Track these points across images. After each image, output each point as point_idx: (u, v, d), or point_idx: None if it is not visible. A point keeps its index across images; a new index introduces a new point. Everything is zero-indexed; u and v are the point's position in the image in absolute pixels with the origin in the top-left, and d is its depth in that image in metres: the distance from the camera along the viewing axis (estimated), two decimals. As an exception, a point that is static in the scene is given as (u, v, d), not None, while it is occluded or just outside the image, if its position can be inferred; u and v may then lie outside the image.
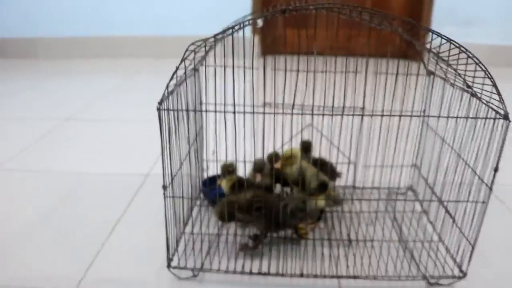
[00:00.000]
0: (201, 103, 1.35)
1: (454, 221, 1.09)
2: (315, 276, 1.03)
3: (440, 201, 1.18)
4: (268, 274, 1.03)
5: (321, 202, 1.14)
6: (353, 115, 1.04)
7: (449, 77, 1.12)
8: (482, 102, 0.94)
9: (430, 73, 1.27)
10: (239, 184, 1.18)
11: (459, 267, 1.05)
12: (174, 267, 1.04)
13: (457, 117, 0.96)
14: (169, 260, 1.04)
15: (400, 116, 1.02)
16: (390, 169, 1.39)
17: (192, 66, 1.09)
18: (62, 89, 2.72)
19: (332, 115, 1.00)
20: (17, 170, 1.61)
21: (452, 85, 1.11)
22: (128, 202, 1.37)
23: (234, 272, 1.04)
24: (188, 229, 1.18)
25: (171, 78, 0.88)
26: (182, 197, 1.03)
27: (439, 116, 1.04)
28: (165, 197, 0.97)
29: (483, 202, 0.96)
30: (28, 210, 1.33)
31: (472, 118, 0.93)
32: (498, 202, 1.42)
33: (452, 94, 1.11)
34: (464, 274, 1.04)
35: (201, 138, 1.34)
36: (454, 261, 1.08)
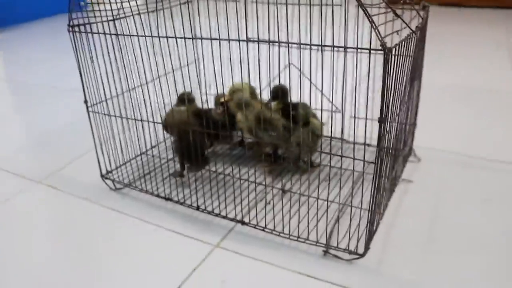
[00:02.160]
0: (195, 35, 1.37)
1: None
2: (209, 212, 1.01)
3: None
4: (170, 199, 1.06)
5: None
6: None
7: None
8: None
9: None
10: (197, 114, 1.20)
11: (366, 245, 0.86)
12: (106, 178, 1.16)
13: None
14: (107, 171, 1.16)
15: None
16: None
17: None
18: None
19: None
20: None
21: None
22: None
23: (146, 192, 1.10)
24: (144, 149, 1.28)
25: (71, 6, 0.96)
26: (105, 113, 1.11)
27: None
28: (88, 112, 1.09)
29: (374, 163, 0.75)
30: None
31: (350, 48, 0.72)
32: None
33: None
34: (363, 254, 0.85)
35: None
36: (369, 237, 0.89)
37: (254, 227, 0.95)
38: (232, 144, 1.30)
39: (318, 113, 1.24)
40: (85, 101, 1.07)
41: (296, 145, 1.09)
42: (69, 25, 1.00)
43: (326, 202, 1.02)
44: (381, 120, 0.71)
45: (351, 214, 0.91)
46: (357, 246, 0.86)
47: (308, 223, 0.95)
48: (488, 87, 1.76)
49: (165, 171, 1.18)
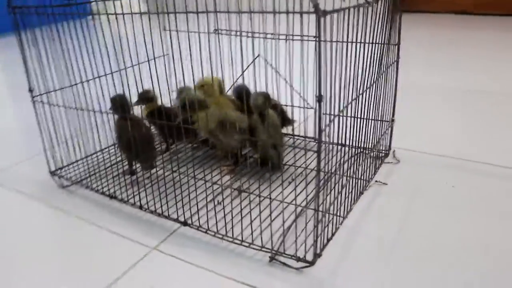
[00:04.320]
0: (164, 28, 1.30)
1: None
2: (152, 212, 0.91)
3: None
4: (114, 198, 0.97)
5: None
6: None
7: None
8: None
9: None
10: (158, 113, 1.12)
11: (320, 251, 0.75)
12: (55, 175, 1.08)
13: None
14: (50, 167, 1.08)
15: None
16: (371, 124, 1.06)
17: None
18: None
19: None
20: None
21: None
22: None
23: (92, 189, 1.01)
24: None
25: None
26: (56, 105, 1.02)
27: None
28: (33, 101, 1.01)
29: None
30: None
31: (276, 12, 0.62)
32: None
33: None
34: (312, 261, 0.74)
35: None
36: (328, 240, 0.77)
37: (197, 229, 0.85)
38: (195, 142, 1.20)
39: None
40: (30, 90, 1.00)
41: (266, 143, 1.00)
42: (9, 6, 0.93)
43: (282, 204, 0.91)
44: (320, 99, 0.61)
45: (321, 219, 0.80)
46: (305, 253, 0.75)
47: (259, 226, 0.84)
48: (474, 88, 1.63)
49: (118, 170, 1.10)
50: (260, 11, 0.70)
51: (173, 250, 0.83)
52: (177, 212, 0.90)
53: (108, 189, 1.00)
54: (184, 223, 0.86)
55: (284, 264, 0.77)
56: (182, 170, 1.05)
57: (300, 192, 0.93)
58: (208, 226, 0.85)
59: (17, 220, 0.96)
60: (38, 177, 1.12)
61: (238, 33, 1.16)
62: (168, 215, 0.89)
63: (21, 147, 1.34)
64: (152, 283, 0.75)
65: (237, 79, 1.21)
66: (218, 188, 0.98)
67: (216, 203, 0.93)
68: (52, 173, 1.08)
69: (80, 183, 1.05)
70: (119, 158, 1.14)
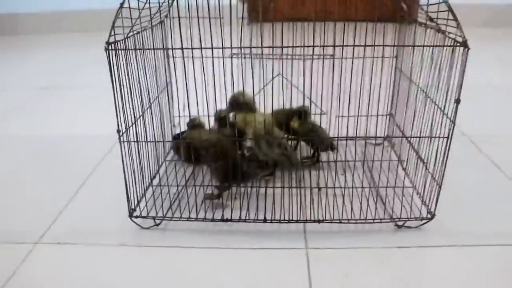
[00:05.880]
0: (167, 56, 1.32)
1: (421, 160, 1.06)
2: (279, 221, 1.02)
3: (406, 137, 1.15)
4: (230, 220, 1.02)
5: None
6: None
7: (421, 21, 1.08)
8: (443, 32, 0.91)
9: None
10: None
11: (428, 209, 1.03)
12: (137, 217, 1.02)
13: (414, 46, 0.93)
14: (131, 209, 1.02)
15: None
16: (366, 119, 1.36)
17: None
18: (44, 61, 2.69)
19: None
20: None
21: (421, 24, 1.07)
22: (101, 159, 1.36)
23: (196, 219, 1.02)
24: (156, 180, 1.17)
25: (114, 20, 0.85)
26: (143, 141, 1.00)
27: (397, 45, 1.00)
28: (120, 142, 0.95)
29: (446, 137, 0.93)
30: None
31: (431, 46, 0.90)
32: (473, 147, 1.40)
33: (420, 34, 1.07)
34: (432, 216, 1.01)
35: (171, 92, 1.31)
36: (424, 203, 1.05)
37: (331, 222, 1.01)
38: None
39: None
40: (118, 130, 0.94)
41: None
42: (107, 43, 0.87)
43: (361, 189, 1.15)
44: (458, 101, 0.89)
45: (402, 192, 1.07)
46: (427, 212, 1.02)
47: (369, 208, 1.06)
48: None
49: (188, 195, 1.11)
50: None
51: (322, 244, 0.97)
52: (298, 214, 1.03)
53: (222, 213, 1.04)
54: (319, 221, 1.00)
55: (408, 227, 1.02)
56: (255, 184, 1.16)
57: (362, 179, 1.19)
58: (341, 217, 1.01)
59: (146, 276, 0.91)
60: (104, 223, 1.05)
61: (258, 55, 1.31)
62: (299, 218, 1.01)
63: (40, 201, 1.14)
64: (343, 271, 0.89)
65: (257, 93, 1.34)
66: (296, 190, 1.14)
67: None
68: (131, 215, 1.01)
69: (174, 217, 1.03)
70: (179, 184, 1.13)
